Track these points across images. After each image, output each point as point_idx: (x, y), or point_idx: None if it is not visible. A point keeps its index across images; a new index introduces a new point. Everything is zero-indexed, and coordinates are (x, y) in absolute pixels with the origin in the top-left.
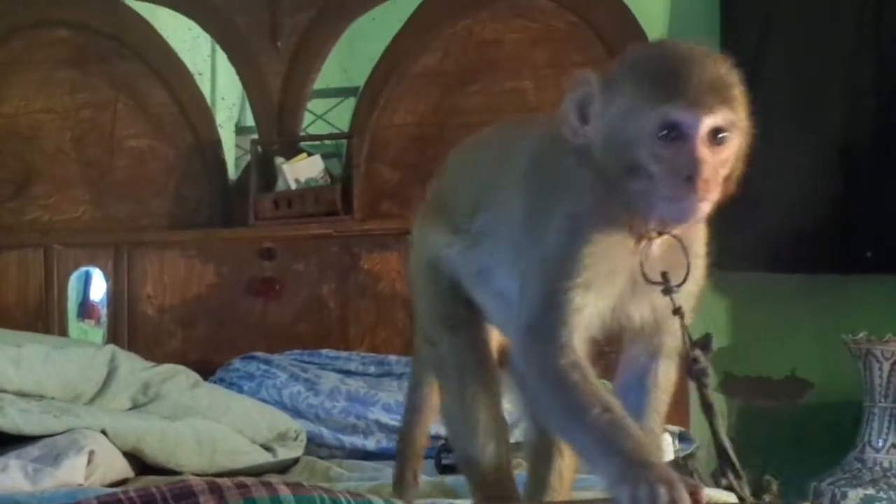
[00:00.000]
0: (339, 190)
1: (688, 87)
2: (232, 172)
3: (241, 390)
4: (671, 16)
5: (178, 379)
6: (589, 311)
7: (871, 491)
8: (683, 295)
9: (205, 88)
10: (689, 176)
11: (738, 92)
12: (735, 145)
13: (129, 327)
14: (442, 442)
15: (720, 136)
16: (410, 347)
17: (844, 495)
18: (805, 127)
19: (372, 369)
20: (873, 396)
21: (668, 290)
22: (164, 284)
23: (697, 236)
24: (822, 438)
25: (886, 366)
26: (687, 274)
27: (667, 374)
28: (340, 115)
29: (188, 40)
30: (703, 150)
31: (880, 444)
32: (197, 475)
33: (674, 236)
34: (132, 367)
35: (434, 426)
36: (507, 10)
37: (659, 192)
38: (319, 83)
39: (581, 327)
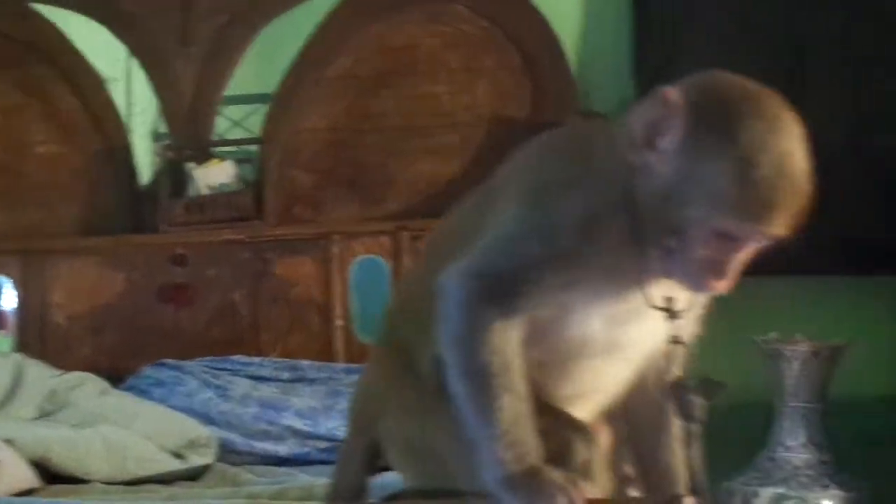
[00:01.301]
0: (251, 195)
1: (775, 216)
2: (146, 179)
3: (151, 397)
4: (584, 17)
5: (87, 387)
6: (556, 310)
7: (782, 489)
8: (685, 322)
9: (120, 95)
10: (721, 264)
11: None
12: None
13: (39, 335)
14: None
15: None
16: (323, 353)
17: (756, 494)
18: None
19: (284, 375)
20: (784, 397)
21: (672, 316)
22: (74, 292)
23: None
24: (735, 439)
25: (796, 366)
26: (692, 302)
27: None
28: (257, 122)
29: (100, 46)
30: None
31: (791, 443)
32: (106, 483)
33: None
34: (39, 375)
35: None
36: (421, 15)
37: (685, 260)
38: (236, 89)
39: (528, 314)
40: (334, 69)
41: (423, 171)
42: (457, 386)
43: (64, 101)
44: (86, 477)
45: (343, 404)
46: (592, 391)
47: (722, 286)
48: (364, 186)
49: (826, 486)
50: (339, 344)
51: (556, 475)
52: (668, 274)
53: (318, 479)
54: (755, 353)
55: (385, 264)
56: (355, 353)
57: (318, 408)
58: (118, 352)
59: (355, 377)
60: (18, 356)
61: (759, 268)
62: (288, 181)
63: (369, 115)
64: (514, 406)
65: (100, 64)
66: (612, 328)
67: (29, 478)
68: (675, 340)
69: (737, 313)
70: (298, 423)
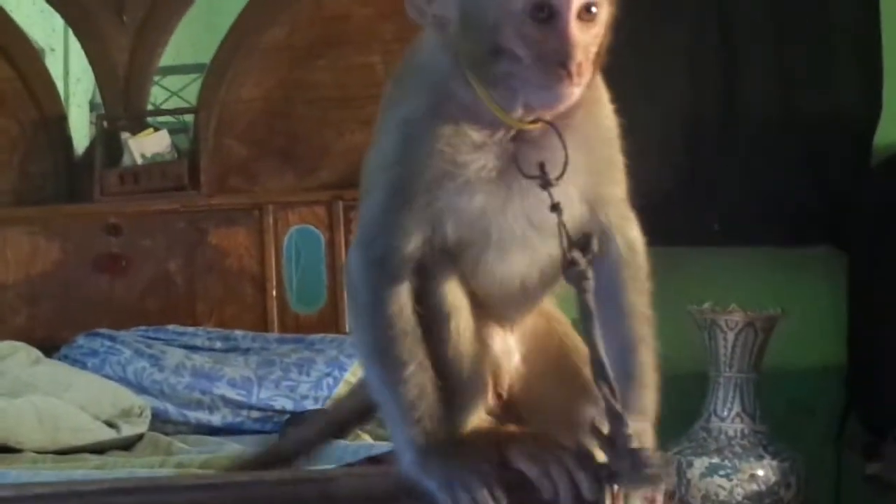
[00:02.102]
0: (186, 165)
1: None
2: (81, 149)
3: (84, 367)
4: None
5: (19, 356)
6: (430, 229)
7: (716, 459)
8: (568, 190)
9: (57, 64)
10: (561, 61)
11: None
12: (605, 16)
13: None
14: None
15: (592, 9)
16: (258, 323)
17: (690, 464)
18: (651, 99)
19: (218, 344)
20: (718, 367)
21: (545, 184)
22: (8, 261)
23: (597, 120)
24: (670, 409)
25: (731, 336)
26: (565, 165)
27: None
28: (193, 93)
29: (35, 15)
30: (576, 30)
31: (725, 413)
32: (38, 452)
33: (549, 123)
34: None
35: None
36: None
37: (528, 77)
38: (173, 59)
39: (414, 255)
40: (269, 39)
41: (357, 141)
42: (365, 369)
43: None
44: (17, 446)
45: (276, 374)
46: (522, 292)
47: (577, 85)
48: (299, 157)
49: (760, 456)
50: (273, 314)
51: (473, 449)
52: (522, 101)
53: (249, 448)
54: (690, 322)
55: (320, 234)
56: (290, 324)
57: (251, 377)
58: (53, 321)
59: (289, 347)
60: None
61: (694, 238)
62: (223, 151)
63: (303, 85)
64: (418, 377)
65: (36, 34)
66: (515, 221)
67: None
68: (554, 208)
69: (672, 283)
70: (231, 393)
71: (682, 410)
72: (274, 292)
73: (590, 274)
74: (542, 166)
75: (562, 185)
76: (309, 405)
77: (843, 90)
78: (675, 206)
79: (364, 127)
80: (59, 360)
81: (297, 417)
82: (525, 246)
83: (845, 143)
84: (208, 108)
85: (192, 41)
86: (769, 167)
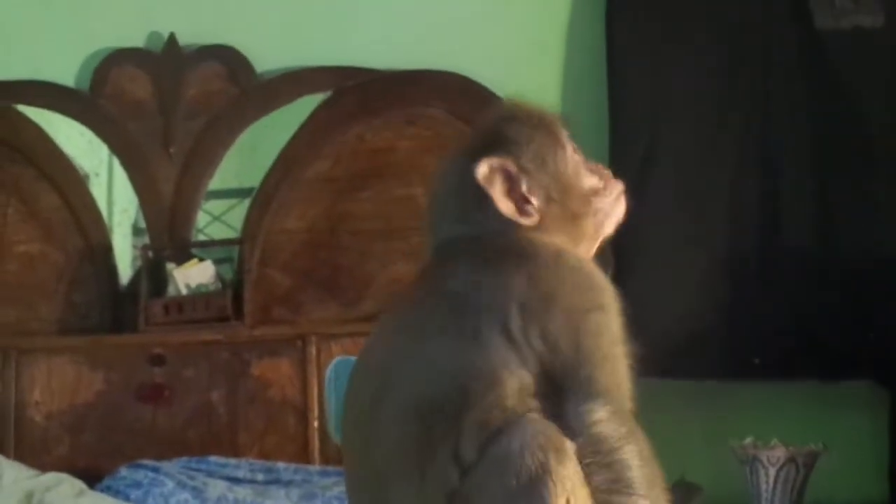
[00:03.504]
0: (229, 295)
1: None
2: (125, 277)
3: (127, 498)
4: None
5: (63, 488)
6: None
7: None
8: None
9: (101, 191)
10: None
11: None
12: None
13: (15, 434)
14: None
15: None
16: (300, 453)
17: None
18: (692, 236)
19: (260, 476)
20: (760, 502)
21: None
22: (53, 390)
23: None
24: None
25: (772, 471)
26: None
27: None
28: (236, 217)
29: (82, 145)
30: None
31: None
32: None
33: None
34: (16, 476)
35: None
36: (399, 119)
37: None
38: (216, 184)
39: None
40: (313, 170)
41: (400, 272)
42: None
43: (44, 200)
44: None
45: None
46: None
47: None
48: (342, 288)
49: None
50: (315, 445)
51: None
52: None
53: None
54: (731, 458)
55: None
56: (331, 455)
57: None
58: (96, 451)
59: (331, 480)
60: None
61: (734, 372)
62: (266, 281)
63: (347, 216)
64: None
65: (82, 163)
66: None
67: None
68: None
69: (713, 418)
70: None
71: None
72: (316, 423)
73: None
74: None
75: None
76: None
77: (887, 223)
78: (715, 340)
79: (406, 257)
80: (102, 491)
81: None
82: None
83: (888, 277)
84: (252, 238)
85: (235, 166)
86: (811, 301)
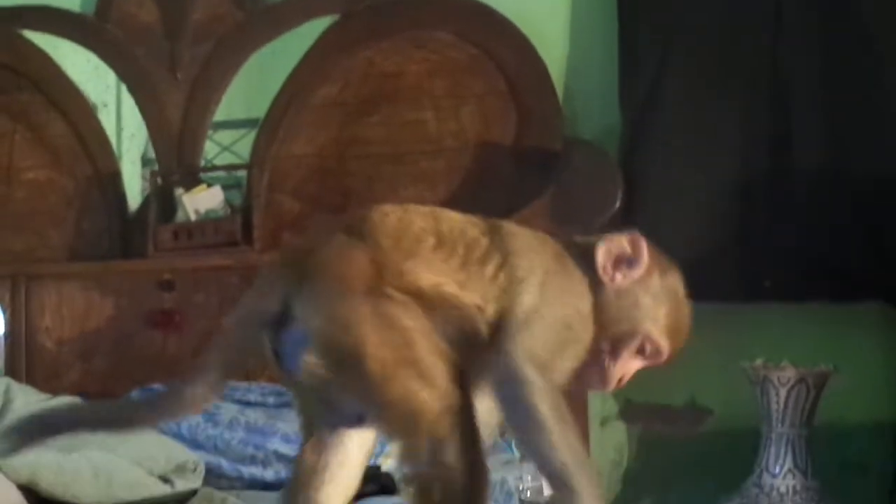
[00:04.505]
0: (239, 221)
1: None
2: (134, 204)
3: None
4: (570, 45)
5: None
6: None
7: None
8: None
9: (110, 120)
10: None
11: None
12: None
13: (26, 360)
14: None
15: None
16: None
17: None
18: (703, 157)
19: (271, 400)
20: (770, 423)
21: None
22: (63, 317)
23: None
24: (722, 465)
25: (783, 392)
26: None
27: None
28: (246, 146)
29: (89, 71)
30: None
31: (777, 469)
32: None
33: None
34: (27, 399)
35: None
36: (407, 42)
37: (604, 363)
38: (225, 115)
39: None
40: (321, 95)
41: (409, 197)
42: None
43: (52, 128)
44: (73, 500)
45: None
46: None
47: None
48: (350, 212)
49: None
50: None
51: None
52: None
53: None
54: (742, 378)
55: None
56: None
57: None
58: (107, 376)
59: None
60: (6, 380)
61: (745, 295)
62: (275, 207)
63: (355, 141)
64: None
65: (90, 90)
66: None
67: (17, 501)
68: None
69: (724, 340)
70: (285, 448)
71: (734, 466)
72: None
73: None
74: None
75: None
76: None
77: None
78: (726, 263)
79: (416, 182)
80: None
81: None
82: None
83: None
84: (261, 164)
85: (243, 96)
86: (820, 224)
